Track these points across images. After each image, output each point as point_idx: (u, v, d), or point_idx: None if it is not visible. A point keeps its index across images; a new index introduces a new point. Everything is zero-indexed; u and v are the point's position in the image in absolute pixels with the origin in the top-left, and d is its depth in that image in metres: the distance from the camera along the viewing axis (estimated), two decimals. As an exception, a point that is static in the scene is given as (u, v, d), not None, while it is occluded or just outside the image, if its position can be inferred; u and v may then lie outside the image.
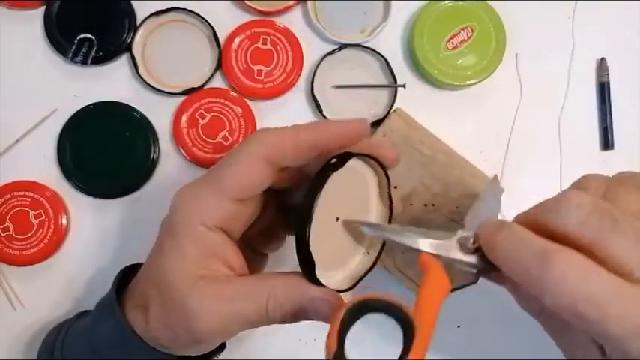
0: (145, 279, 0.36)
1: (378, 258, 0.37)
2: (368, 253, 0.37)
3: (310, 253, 0.31)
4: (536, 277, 0.26)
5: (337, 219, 0.34)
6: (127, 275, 0.39)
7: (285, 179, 0.35)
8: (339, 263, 0.35)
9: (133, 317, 0.35)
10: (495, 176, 0.37)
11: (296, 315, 0.33)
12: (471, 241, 0.32)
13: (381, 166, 0.35)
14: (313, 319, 0.33)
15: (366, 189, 0.36)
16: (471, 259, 0.32)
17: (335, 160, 0.32)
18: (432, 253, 0.31)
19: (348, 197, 0.35)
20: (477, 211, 0.34)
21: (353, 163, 0.33)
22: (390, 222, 0.37)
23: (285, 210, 0.40)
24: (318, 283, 0.33)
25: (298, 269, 0.33)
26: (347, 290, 0.35)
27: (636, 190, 0.28)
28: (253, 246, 0.40)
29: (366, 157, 0.34)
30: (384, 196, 0.37)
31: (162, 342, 0.34)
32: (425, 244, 0.32)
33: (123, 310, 0.35)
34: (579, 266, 0.25)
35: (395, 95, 0.51)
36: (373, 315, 0.28)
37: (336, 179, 0.32)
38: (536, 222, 0.28)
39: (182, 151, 0.50)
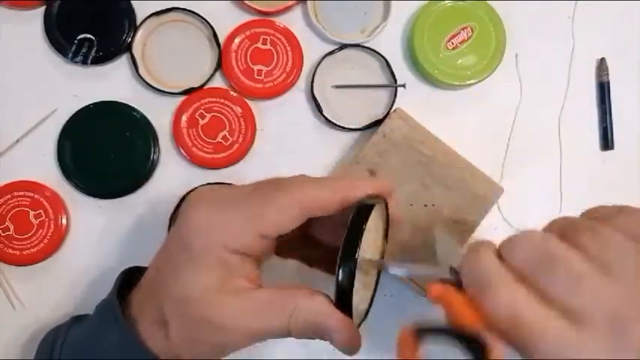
0: (161, 294, 0.35)
1: (375, 293, 0.38)
2: (368, 285, 0.37)
3: (351, 298, 0.32)
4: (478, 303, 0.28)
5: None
6: (127, 280, 0.38)
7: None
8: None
9: (149, 334, 0.34)
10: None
11: (315, 334, 0.33)
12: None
13: (385, 205, 0.37)
14: (327, 341, 0.34)
15: (375, 226, 0.37)
16: None
17: (365, 209, 0.34)
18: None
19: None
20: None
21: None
22: (382, 257, 0.38)
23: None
24: (348, 313, 0.33)
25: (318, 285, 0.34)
26: (358, 326, 0.35)
27: (590, 232, 0.29)
28: None
29: (381, 201, 0.36)
30: (382, 233, 0.38)
31: (183, 356, 0.34)
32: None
33: (129, 320, 0.35)
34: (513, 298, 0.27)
35: (395, 95, 0.51)
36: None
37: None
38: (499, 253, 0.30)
39: (182, 151, 0.50)
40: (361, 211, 0.33)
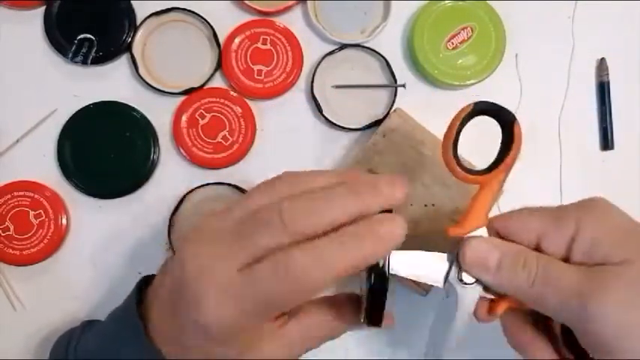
0: (180, 330, 0.33)
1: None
2: None
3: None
4: None
5: None
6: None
7: None
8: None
9: (168, 350, 0.34)
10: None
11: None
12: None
13: None
14: None
15: None
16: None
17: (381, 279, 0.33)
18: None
19: None
20: None
21: None
22: None
23: None
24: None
25: None
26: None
27: None
28: None
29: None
30: None
31: None
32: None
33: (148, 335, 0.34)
34: None
35: (395, 95, 0.51)
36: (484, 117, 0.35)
37: None
38: None
39: (182, 151, 0.50)
40: (378, 281, 0.33)
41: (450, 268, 0.35)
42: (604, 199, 0.35)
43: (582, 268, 0.32)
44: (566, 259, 0.33)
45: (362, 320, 0.34)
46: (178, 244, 0.34)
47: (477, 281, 0.35)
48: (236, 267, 0.30)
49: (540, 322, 0.36)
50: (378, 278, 0.32)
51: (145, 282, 0.37)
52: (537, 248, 0.34)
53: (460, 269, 0.35)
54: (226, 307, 0.30)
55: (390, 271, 0.33)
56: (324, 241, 0.30)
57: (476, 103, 0.35)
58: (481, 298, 0.35)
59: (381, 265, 0.32)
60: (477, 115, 0.36)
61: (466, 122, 0.36)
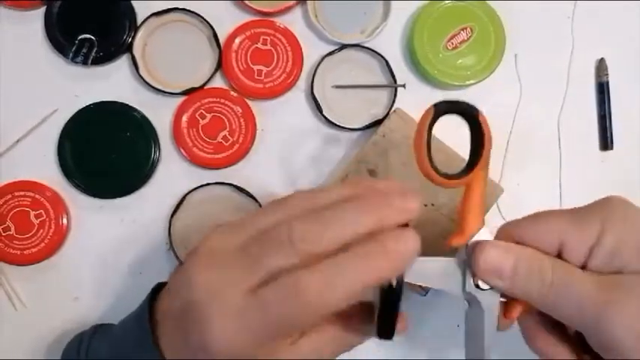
0: (190, 353, 0.32)
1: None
2: None
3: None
4: None
5: None
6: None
7: None
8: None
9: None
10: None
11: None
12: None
13: None
14: None
15: None
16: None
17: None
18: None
19: None
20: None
21: None
22: None
23: None
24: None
25: None
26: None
27: None
28: None
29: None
30: None
31: None
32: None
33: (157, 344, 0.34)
34: None
35: (395, 95, 0.51)
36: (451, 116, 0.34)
37: None
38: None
39: (182, 151, 0.51)
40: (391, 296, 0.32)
41: (464, 274, 0.34)
42: (624, 201, 0.34)
43: (599, 276, 0.32)
44: (584, 265, 0.33)
45: (374, 333, 0.33)
46: (186, 259, 0.33)
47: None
48: (245, 290, 0.30)
49: (557, 323, 0.36)
50: (391, 294, 0.31)
51: (157, 289, 0.36)
52: (559, 254, 0.34)
53: (475, 275, 0.34)
54: (235, 332, 0.30)
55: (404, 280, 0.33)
56: (336, 262, 0.29)
57: (435, 105, 0.34)
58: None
59: (394, 284, 0.31)
60: (440, 117, 0.34)
61: (432, 127, 0.34)
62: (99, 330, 0.42)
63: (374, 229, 0.30)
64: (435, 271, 0.35)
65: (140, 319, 0.35)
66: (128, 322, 0.37)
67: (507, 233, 0.35)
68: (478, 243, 0.34)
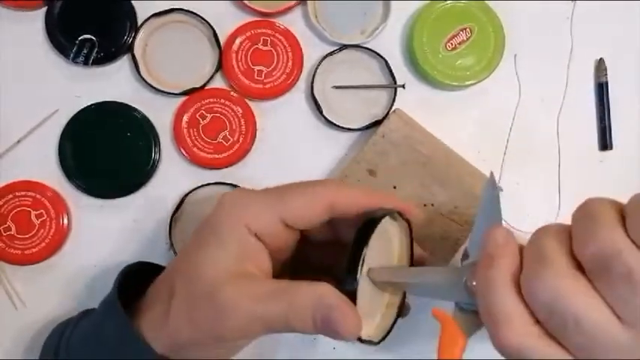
0: (174, 273, 0.36)
1: (401, 309, 0.37)
2: (392, 304, 0.37)
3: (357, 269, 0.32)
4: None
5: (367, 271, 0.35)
6: (130, 275, 0.39)
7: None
8: (368, 315, 0.35)
9: (149, 315, 0.35)
10: (492, 176, 0.35)
11: (317, 326, 0.32)
12: (473, 283, 0.31)
13: (408, 223, 0.37)
14: (336, 336, 0.32)
15: (391, 245, 0.37)
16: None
17: (377, 216, 0.34)
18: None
19: (378, 253, 0.35)
20: (478, 228, 0.34)
21: (386, 221, 0.35)
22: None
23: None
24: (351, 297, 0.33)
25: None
26: (378, 343, 0.35)
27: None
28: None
29: (398, 214, 0.36)
30: (406, 251, 0.38)
31: (180, 339, 0.33)
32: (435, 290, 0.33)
33: (134, 308, 0.35)
34: None
35: (394, 95, 0.52)
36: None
37: (374, 235, 0.33)
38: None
39: (183, 151, 0.51)
40: (376, 214, 0.34)
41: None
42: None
43: None
44: None
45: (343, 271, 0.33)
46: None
47: None
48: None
49: None
50: (366, 224, 0.33)
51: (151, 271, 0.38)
52: None
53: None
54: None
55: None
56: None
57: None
58: None
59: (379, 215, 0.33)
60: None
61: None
62: (85, 314, 0.42)
63: None
64: (438, 284, 0.33)
65: (111, 296, 0.37)
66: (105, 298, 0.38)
67: None
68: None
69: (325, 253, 0.39)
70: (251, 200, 0.35)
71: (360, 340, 0.33)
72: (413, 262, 0.38)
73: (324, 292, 0.32)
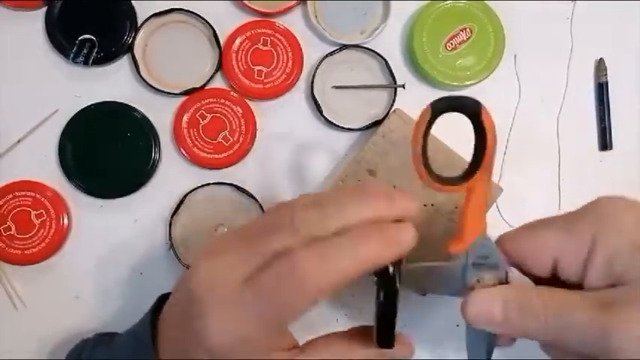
0: (185, 343, 0.32)
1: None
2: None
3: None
4: None
5: None
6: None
7: None
8: None
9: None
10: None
11: None
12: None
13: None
14: None
15: None
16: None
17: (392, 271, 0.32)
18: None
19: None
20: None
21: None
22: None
23: None
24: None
25: None
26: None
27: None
28: None
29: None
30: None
31: None
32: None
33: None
34: None
35: (394, 96, 0.52)
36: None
37: None
38: None
39: (183, 151, 0.51)
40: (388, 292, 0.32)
41: (464, 277, 0.34)
42: (613, 202, 0.33)
43: (594, 295, 0.31)
44: (581, 280, 0.32)
45: (374, 342, 0.33)
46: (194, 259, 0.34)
47: None
48: (243, 277, 0.30)
49: None
50: (388, 293, 0.31)
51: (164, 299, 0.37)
52: (554, 269, 0.33)
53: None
54: (229, 320, 0.30)
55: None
56: (332, 242, 0.29)
57: (432, 103, 0.32)
58: None
59: (390, 271, 0.31)
60: (439, 116, 0.32)
61: (430, 127, 0.33)
62: (102, 340, 0.42)
63: (375, 219, 0.31)
64: (434, 277, 0.34)
65: (141, 330, 0.35)
66: (130, 333, 0.37)
67: (503, 249, 0.34)
68: (465, 294, 0.33)
69: None
70: (219, 275, 0.31)
71: None
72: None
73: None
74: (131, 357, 0.36)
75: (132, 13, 0.51)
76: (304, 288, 0.29)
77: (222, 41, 0.51)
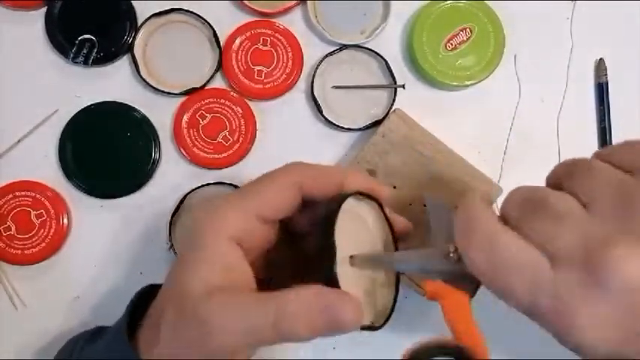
0: (162, 296, 0.34)
1: (397, 291, 0.36)
2: (386, 283, 0.36)
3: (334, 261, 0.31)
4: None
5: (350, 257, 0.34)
6: (146, 298, 0.37)
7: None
8: (364, 301, 0.34)
9: (144, 342, 0.33)
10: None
11: (314, 329, 0.30)
12: (452, 249, 0.30)
13: (376, 201, 0.36)
14: (336, 333, 0.30)
15: (367, 224, 0.36)
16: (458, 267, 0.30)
17: (339, 198, 0.33)
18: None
19: (354, 237, 0.34)
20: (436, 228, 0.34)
21: (351, 202, 0.34)
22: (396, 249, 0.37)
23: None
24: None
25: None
26: (381, 327, 0.34)
27: (583, 171, 0.29)
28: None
29: (362, 194, 0.35)
30: (383, 228, 0.37)
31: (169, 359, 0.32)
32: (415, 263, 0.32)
33: (137, 337, 0.34)
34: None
35: (394, 96, 0.52)
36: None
37: (341, 219, 0.32)
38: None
39: (183, 151, 0.51)
40: (338, 200, 0.33)
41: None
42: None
43: None
44: None
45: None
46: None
47: None
48: None
49: None
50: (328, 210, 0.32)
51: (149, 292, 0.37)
52: None
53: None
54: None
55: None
56: None
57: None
58: None
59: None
60: None
61: None
62: (98, 333, 0.42)
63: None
64: (423, 261, 0.33)
65: (118, 328, 0.35)
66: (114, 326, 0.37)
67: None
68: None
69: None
70: (224, 206, 0.33)
71: (362, 327, 0.32)
72: (395, 235, 0.37)
73: (318, 290, 0.30)
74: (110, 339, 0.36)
75: (132, 13, 0.51)
76: None
77: (222, 41, 0.51)
